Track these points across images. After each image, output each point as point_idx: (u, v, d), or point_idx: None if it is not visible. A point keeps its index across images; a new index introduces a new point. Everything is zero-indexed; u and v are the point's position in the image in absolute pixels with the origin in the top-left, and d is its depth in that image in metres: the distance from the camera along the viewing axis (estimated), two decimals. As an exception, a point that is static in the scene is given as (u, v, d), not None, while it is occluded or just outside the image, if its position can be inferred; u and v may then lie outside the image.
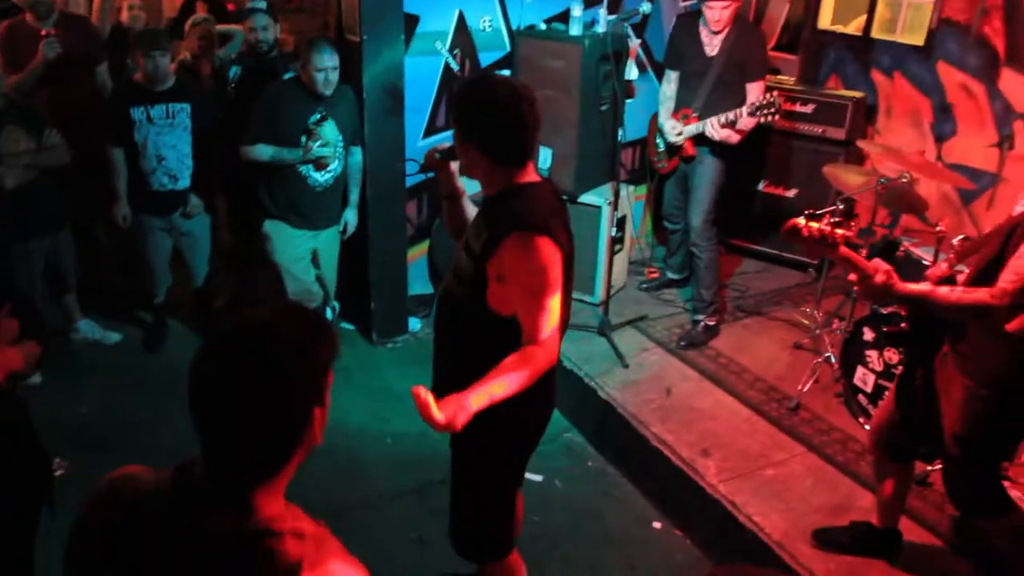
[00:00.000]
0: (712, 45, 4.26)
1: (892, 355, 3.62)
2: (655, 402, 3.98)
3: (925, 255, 3.99)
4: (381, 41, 4.18)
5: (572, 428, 4.12)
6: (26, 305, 2.23)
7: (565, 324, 2.22)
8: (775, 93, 4.12)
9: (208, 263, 4.65)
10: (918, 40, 5.06)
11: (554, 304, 2.04)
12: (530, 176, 2.21)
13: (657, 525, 3.51)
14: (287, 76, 4.28)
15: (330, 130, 4.06)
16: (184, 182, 4.30)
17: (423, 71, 4.53)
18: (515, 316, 2.09)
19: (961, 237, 3.50)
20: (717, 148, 4.34)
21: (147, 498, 1.25)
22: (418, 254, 4.99)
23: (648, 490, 3.69)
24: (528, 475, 3.74)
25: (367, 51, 4.14)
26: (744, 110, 4.12)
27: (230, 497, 1.21)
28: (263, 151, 4.01)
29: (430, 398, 1.85)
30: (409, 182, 4.66)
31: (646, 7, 4.13)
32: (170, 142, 4.19)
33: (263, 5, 4.33)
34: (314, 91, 3.94)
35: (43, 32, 4.27)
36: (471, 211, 2.50)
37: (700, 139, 4.34)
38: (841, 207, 4.15)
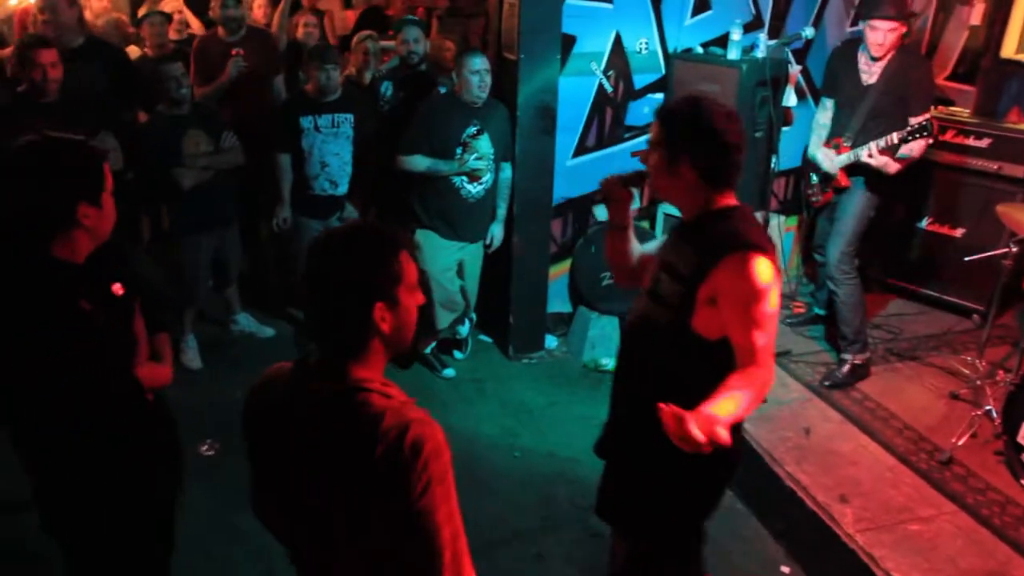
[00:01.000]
0: (870, 73, 4.04)
1: (1064, 414, 3.32)
2: (792, 440, 3.82)
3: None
4: (537, 60, 4.27)
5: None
6: (151, 299, 2.41)
7: None
8: (929, 116, 3.87)
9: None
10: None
11: (773, 327, 2.01)
12: (731, 199, 2.17)
13: (786, 570, 3.36)
14: (440, 89, 4.46)
15: (485, 144, 4.19)
16: (343, 188, 4.55)
17: (576, 91, 4.58)
18: (721, 340, 2.05)
19: None
20: (872, 180, 4.13)
21: (281, 378, 1.63)
22: (559, 272, 5.03)
23: (778, 532, 3.54)
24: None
25: (523, 70, 4.24)
26: (896, 135, 3.89)
27: (328, 367, 1.54)
28: (420, 162, 4.18)
29: (684, 414, 1.75)
30: (557, 200, 4.71)
31: (808, 32, 4.00)
32: (334, 150, 4.45)
33: (414, 18, 4.52)
34: (470, 99, 4.07)
35: (233, 52, 4.67)
36: (634, 242, 2.49)
37: (855, 169, 4.14)
38: (1012, 248, 3.87)
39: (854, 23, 5.08)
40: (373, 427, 1.44)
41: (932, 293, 5.08)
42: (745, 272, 1.99)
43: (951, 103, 5.23)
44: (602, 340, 4.93)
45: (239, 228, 4.74)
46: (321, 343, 1.57)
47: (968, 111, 5.20)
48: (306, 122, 4.39)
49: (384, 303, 1.51)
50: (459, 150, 4.17)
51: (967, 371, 4.29)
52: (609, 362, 4.91)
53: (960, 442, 3.69)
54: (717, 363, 2.02)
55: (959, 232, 4.97)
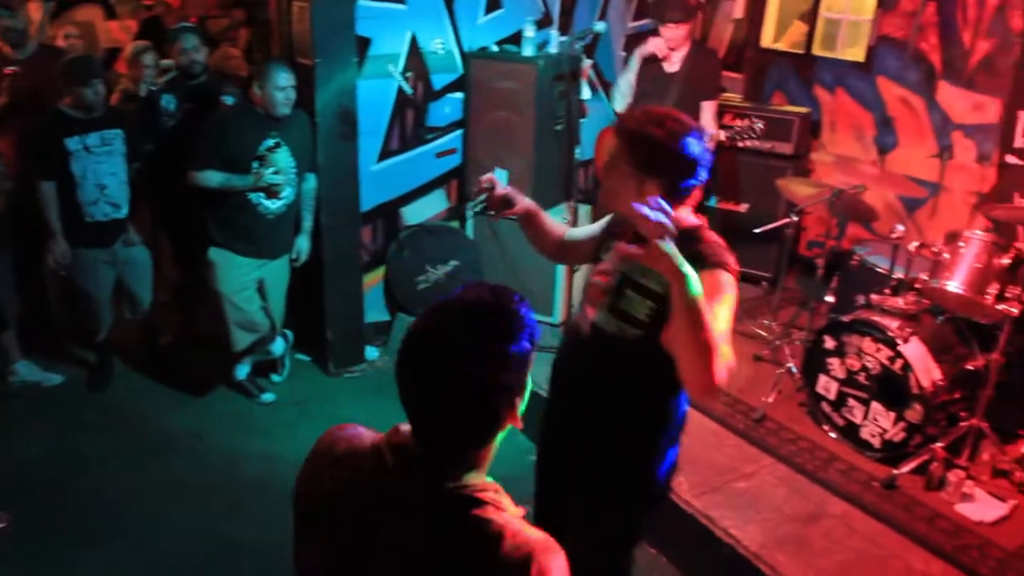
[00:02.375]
0: (671, 62, 4.35)
1: (854, 362, 3.66)
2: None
3: (879, 263, 4.08)
4: (334, 64, 4.12)
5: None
6: None
7: None
8: (753, 120, 4.18)
9: (152, 294, 4.49)
10: (858, 56, 5.22)
11: (729, 343, 1.93)
12: (692, 217, 2.15)
13: (632, 544, 3.46)
14: (227, 99, 4.20)
15: (283, 157, 3.96)
16: (125, 210, 4.17)
17: (376, 94, 4.48)
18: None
19: (917, 244, 3.59)
20: None
21: (358, 455, 1.38)
22: (374, 281, 4.90)
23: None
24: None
25: (320, 74, 4.08)
26: (722, 134, 4.20)
27: (436, 463, 1.31)
28: (212, 177, 3.89)
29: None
30: (364, 207, 4.58)
31: (600, 26, 4.16)
32: (110, 169, 4.05)
33: (191, 26, 4.23)
34: (271, 112, 3.84)
35: (7, 71, 4.15)
36: (548, 221, 2.47)
37: None
38: (793, 219, 4.23)
39: (636, 18, 5.36)
40: (490, 549, 1.25)
41: (725, 267, 5.44)
42: (713, 281, 1.97)
43: (725, 90, 5.65)
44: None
45: (12, 264, 4.20)
46: (430, 440, 1.32)
47: (740, 96, 5.65)
48: (73, 144, 3.94)
49: (520, 397, 1.33)
50: (255, 164, 3.92)
51: (765, 333, 4.64)
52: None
53: (770, 399, 3.98)
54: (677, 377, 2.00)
55: (744, 207, 5.38)
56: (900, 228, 3.63)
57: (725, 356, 1.85)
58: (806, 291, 5.15)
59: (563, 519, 2.45)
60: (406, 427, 1.34)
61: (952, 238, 3.51)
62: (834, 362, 3.76)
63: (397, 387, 1.31)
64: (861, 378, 3.65)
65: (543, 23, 4.76)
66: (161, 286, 4.65)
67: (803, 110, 5.26)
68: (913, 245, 3.56)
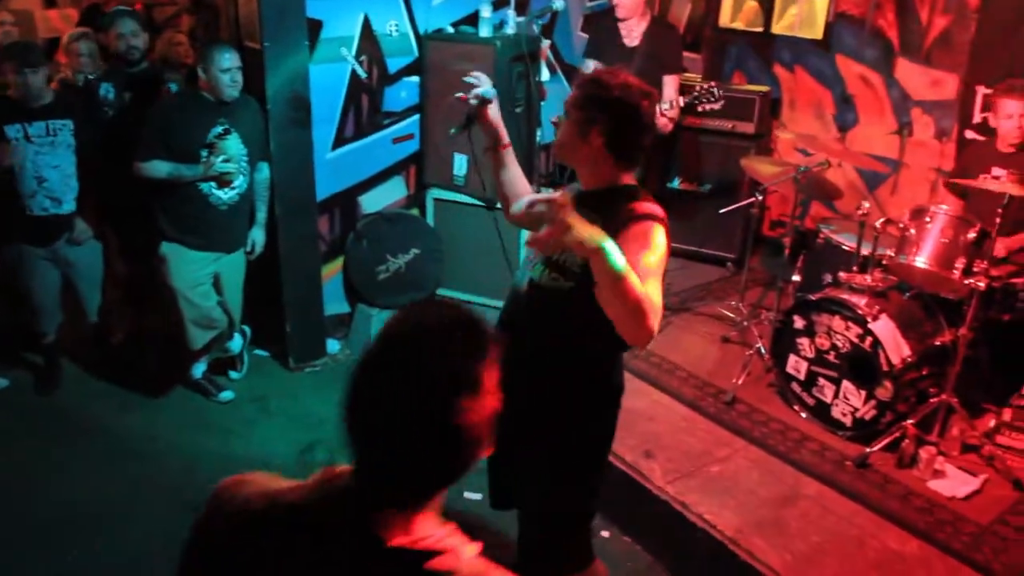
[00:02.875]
0: (631, 36, 4.32)
1: (824, 341, 3.64)
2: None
3: (845, 241, 4.06)
4: (284, 48, 3.96)
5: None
6: None
7: None
8: (713, 83, 4.20)
9: (101, 294, 4.30)
10: (816, 34, 5.19)
11: (659, 288, 2.00)
12: (632, 179, 2.23)
13: (605, 534, 3.39)
14: (171, 86, 4.02)
15: (234, 144, 3.79)
16: (69, 205, 3.95)
17: (329, 79, 4.32)
18: None
19: (883, 220, 3.56)
20: None
21: (282, 509, 1.15)
22: (333, 272, 4.76)
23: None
24: (467, 494, 3.60)
25: (269, 58, 3.92)
26: (682, 99, 4.18)
27: (391, 521, 1.11)
28: (159, 167, 3.71)
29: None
30: (321, 196, 4.43)
31: (559, 4, 4.05)
32: (52, 162, 3.84)
33: (128, 9, 4.03)
34: (219, 96, 3.67)
35: None
36: (513, 171, 2.48)
37: None
38: (758, 198, 4.19)
39: (592, -3, 5.28)
40: None
41: (690, 247, 5.42)
42: (645, 238, 2.04)
43: (686, 70, 5.59)
44: (388, 336, 4.73)
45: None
46: (383, 480, 1.12)
47: (699, 76, 5.60)
48: (13, 131, 3.74)
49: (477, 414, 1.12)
50: (204, 153, 3.75)
51: (732, 315, 4.61)
52: (398, 358, 4.72)
53: (739, 382, 3.94)
54: (618, 334, 2.00)
55: (707, 188, 5.34)
56: (866, 205, 3.60)
57: (655, 307, 1.91)
58: (771, 271, 5.14)
59: (519, 502, 2.50)
60: (343, 468, 1.14)
61: (918, 214, 3.49)
62: (804, 342, 3.73)
63: (345, 414, 1.13)
64: (831, 357, 3.63)
65: (499, 3, 4.64)
66: (111, 283, 4.45)
67: (764, 89, 5.22)
68: (880, 222, 3.54)
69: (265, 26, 3.86)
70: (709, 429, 3.73)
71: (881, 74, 4.91)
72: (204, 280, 3.97)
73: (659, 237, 2.07)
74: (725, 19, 5.72)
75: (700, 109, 4.25)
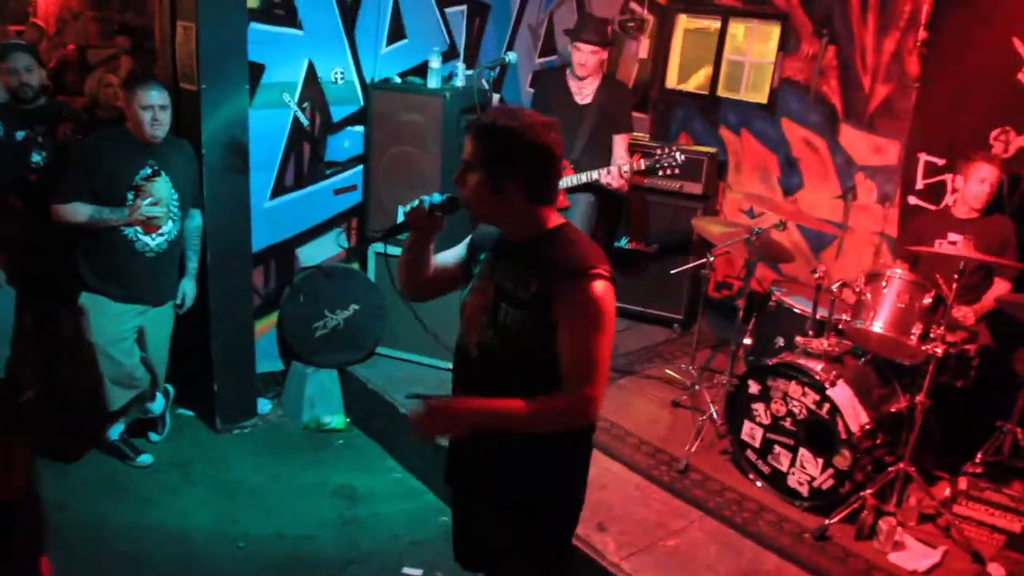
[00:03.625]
0: (583, 94, 4.25)
1: (780, 407, 3.54)
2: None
3: (797, 304, 4.00)
4: (222, 90, 3.76)
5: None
6: None
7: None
8: (673, 148, 4.12)
9: (11, 346, 3.94)
10: (761, 98, 5.25)
11: (606, 354, 1.94)
12: (555, 215, 2.07)
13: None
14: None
15: (163, 187, 3.55)
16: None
17: (270, 125, 4.14)
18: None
19: (839, 284, 3.51)
20: (591, 200, 4.37)
21: None
22: (266, 327, 4.51)
23: None
24: (406, 569, 3.36)
25: (206, 100, 3.71)
26: (642, 163, 4.10)
27: None
28: (80, 210, 3.43)
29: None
30: (256, 247, 4.20)
31: (512, 57, 3.98)
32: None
33: (21, 43, 3.78)
34: (142, 136, 3.44)
35: None
36: (431, 257, 2.27)
37: (572, 190, 4.29)
38: (710, 259, 4.12)
39: (542, 55, 5.24)
40: None
41: (636, 308, 5.32)
42: (586, 298, 1.92)
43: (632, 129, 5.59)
44: (322, 396, 4.49)
45: None
46: None
47: (647, 136, 5.59)
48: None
49: None
50: (130, 196, 3.50)
51: (680, 377, 4.50)
52: (332, 420, 4.48)
53: (693, 449, 3.80)
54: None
55: (654, 248, 5.27)
56: (822, 268, 3.55)
57: (597, 389, 1.92)
58: (718, 333, 5.07)
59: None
60: None
61: (873, 278, 3.46)
62: (759, 407, 3.62)
63: None
64: (787, 423, 3.52)
65: (448, 56, 4.55)
66: (22, 334, 4.09)
67: (711, 150, 5.22)
68: (836, 285, 3.49)
69: (203, 66, 3.66)
70: (663, 499, 3.56)
71: (825, 139, 4.97)
72: (127, 335, 3.67)
73: (606, 304, 1.94)
74: (672, 81, 5.75)
75: (662, 173, 4.17)
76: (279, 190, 4.32)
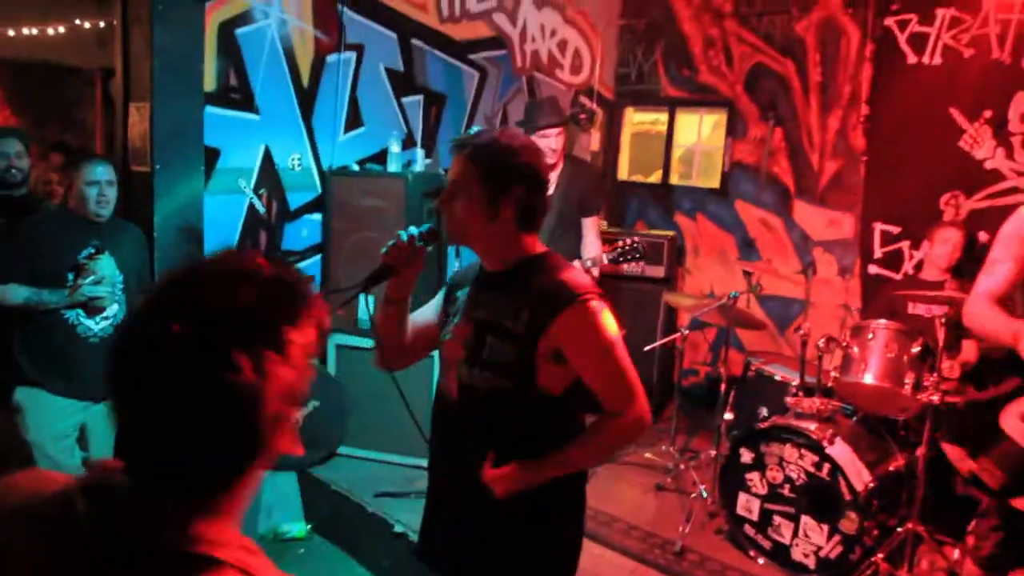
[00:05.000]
0: (549, 182, 4.17)
1: (776, 474, 3.37)
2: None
3: (777, 371, 3.91)
4: (177, 172, 3.59)
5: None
6: None
7: None
8: (636, 239, 4.03)
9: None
10: (714, 183, 5.34)
11: (630, 364, 1.88)
12: (541, 246, 1.96)
13: None
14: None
15: (107, 265, 3.29)
16: None
17: (224, 211, 3.96)
18: (569, 390, 1.87)
19: (824, 339, 3.44)
20: None
21: (47, 511, 0.94)
22: (218, 429, 4.17)
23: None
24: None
25: (159, 182, 3.53)
26: (605, 256, 3.95)
27: (161, 517, 0.89)
28: (16, 293, 3.14)
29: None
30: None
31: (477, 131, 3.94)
32: None
33: (14, 129, 3.60)
34: (86, 215, 3.22)
35: None
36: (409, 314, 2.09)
37: None
38: (684, 332, 4.03)
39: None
40: None
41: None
42: (590, 323, 1.81)
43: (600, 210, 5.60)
44: (281, 503, 4.12)
45: None
46: (148, 465, 0.91)
47: (606, 223, 5.60)
48: None
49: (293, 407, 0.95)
50: (71, 276, 3.24)
51: (661, 460, 4.30)
52: (292, 528, 4.10)
53: (686, 530, 3.58)
54: (566, 414, 1.91)
55: (620, 333, 5.16)
56: (806, 325, 3.49)
57: (641, 401, 1.85)
58: (689, 419, 4.93)
59: None
60: (114, 462, 0.93)
61: (858, 331, 3.40)
62: (754, 477, 3.45)
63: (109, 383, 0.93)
64: (786, 491, 3.35)
65: (406, 145, 4.52)
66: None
67: (670, 233, 5.25)
68: (821, 341, 3.41)
69: (157, 147, 3.51)
70: (663, 583, 3.30)
71: (780, 217, 5.04)
72: (69, 432, 3.32)
73: (603, 317, 1.84)
74: (623, 173, 5.84)
75: (626, 268, 4.11)
76: (233, 280, 4.11)
